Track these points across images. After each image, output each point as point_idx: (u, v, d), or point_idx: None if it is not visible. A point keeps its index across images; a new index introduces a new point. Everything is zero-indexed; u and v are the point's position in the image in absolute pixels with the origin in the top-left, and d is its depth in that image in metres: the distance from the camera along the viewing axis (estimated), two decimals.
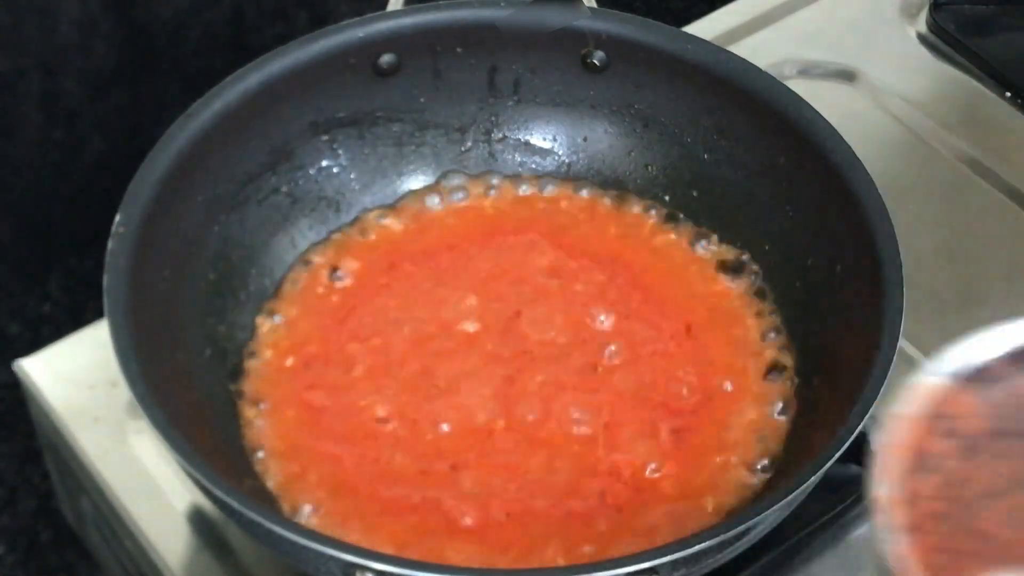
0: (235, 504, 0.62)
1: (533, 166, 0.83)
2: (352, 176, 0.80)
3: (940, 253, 0.86)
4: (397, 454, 0.71)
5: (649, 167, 0.82)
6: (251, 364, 0.74)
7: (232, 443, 0.71)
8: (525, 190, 0.82)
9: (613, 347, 0.75)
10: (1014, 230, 0.87)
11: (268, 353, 0.75)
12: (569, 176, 0.83)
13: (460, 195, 0.82)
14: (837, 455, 0.64)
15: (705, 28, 0.96)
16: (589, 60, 0.80)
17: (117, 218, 0.69)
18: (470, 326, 0.76)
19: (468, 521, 0.69)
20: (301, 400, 0.73)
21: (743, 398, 0.74)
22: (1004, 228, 0.87)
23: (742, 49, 0.90)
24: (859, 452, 0.74)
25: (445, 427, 0.72)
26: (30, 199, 1.05)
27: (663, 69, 0.79)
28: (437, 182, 0.82)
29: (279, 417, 0.73)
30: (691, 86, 0.79)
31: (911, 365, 0.80)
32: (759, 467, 0.71)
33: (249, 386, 0.74)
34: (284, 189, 0.79)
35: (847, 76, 0.95)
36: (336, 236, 0.80)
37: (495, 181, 0.82)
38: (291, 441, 0.72)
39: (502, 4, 0.79)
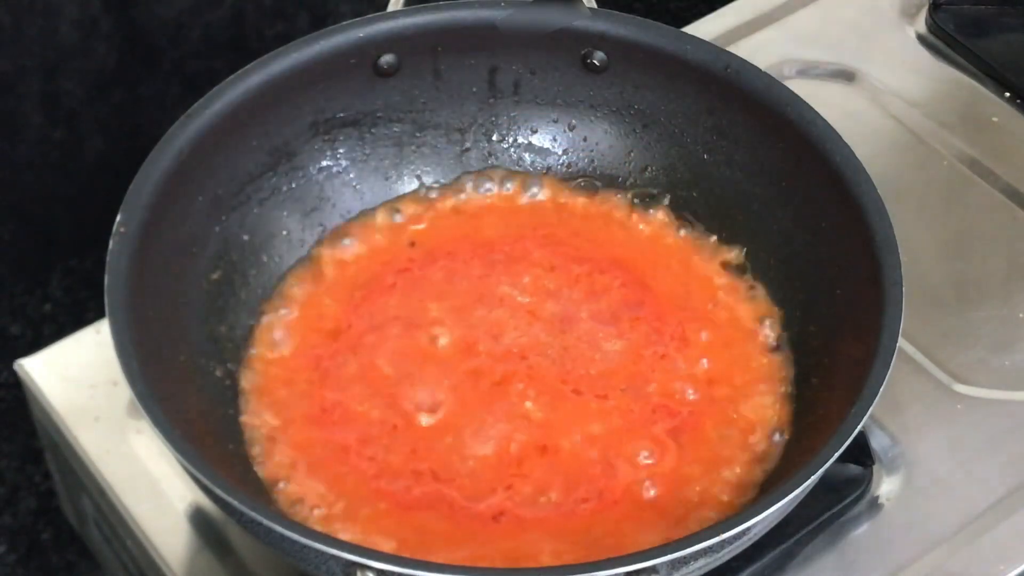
0: (235, 503, 0.62)
1: (533, 166, 0.83)
2: (352, 176, 0.80)
3: (939, 253, 0.86)
4: (395, 453, 0.71)
5: (649, 167, 0.82)
6: (251, 363, 0.75)
7: (232, 442, 0.71)
8: (525, 191, 0.82)
9: (612, 348, 0.75)
10: (1013, 230, 0.87)
11: (268, 353, 0.75)
12: (569, 176, 0.83)
13: (460, 196, 0.82)
14: (837, 455, 0.64)
15: (705, 28, 0.97)
16: (589, 60, 0.80)
17: (118, 218, 0.69)
18: (469, 328, 0.76)
19: (466, 520, 0.69)
20: (301, 399, 0.73)
21: (742, 398, 0.74)
22: (1003, 228, 0.88)
23: (742, 49, 0.90)
24: (859, 452, 0.75)
25: (443, 428, 0.72)
26: (31, 199, 1.05)
27: (663, 69, 0.79)
28: (437, 183, 0.82)
29: (279, 416, 0.73)
30: (691, 86, 0.79)
31: (911, 365, 0.80)
32: (758, 467, 0.71)
33: (249, 385, 0.74)
34: (284, 189, 0.79)
35: (846, 76, 0.95)
36: (336, 237, 0.80)
37: (495, 182, 0.82)
38: (291, 439, 0.72)
39: (502, 4, 0.79)
